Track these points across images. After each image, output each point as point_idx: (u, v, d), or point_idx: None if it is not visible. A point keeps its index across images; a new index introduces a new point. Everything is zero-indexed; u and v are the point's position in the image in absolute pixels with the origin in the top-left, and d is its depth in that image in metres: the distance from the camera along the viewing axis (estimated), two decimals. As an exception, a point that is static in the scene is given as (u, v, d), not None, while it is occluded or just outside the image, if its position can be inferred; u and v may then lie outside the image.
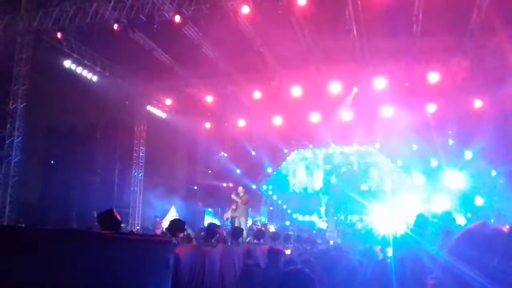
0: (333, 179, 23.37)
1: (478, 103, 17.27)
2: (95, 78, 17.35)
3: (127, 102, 19.12)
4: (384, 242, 14.73)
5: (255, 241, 11.22)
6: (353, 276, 4.15)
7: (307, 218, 23.36)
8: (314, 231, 19.46)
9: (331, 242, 13.11)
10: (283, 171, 25.03)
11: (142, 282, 3.63)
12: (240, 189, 14.42)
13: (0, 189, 14.03)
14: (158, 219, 17.71)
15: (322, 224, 20.88)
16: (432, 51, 15.97)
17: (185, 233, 6.93)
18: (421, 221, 7.20)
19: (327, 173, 24.16)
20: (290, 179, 25.17)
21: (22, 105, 14.69)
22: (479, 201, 18.19)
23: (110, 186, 19.03)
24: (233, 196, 14.13)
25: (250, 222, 14.14)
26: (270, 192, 24.35)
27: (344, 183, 23.10)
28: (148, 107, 20.78)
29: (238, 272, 6.99)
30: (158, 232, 16.35)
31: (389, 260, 8.07)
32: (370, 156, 23.46)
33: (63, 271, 2.79)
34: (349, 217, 21.72)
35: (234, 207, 13.92)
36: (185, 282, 5.16)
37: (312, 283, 2.86)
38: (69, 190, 17.30)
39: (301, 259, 6.67)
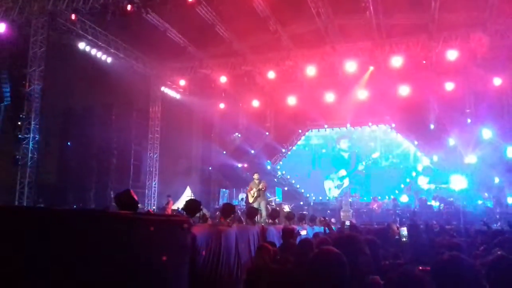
0: (360, 166, 23.41)
1: (497, 81, 16.95)
2: (109, 60, 17.40)
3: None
4: (400, 221, 14.76)
5: (270, 221, 11.30)
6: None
7: (321, 198, 23.48)
8: (328, 211, 19.51)
9: (347, 223, 13.12)
10: (298, 151, 25.01)
11: (160, 262, 3.69)
12: (256, 176, 14.47)
13: (19, 170, 14.26)
14: (169, 198, 17.93)
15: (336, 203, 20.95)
16: (450, 28, 15.63)
17: (201, 213, 6.99)
18: None
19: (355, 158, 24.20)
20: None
21: (38, 87, 14.83)
22: (497, 179, 18.05)
23: (126, 167, 19.24)
24: (253, 188, 14.17)
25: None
26: (284, 172, 24.40)
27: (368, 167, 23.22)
28: (163, 88, 20.83)
29: (254, 251, 7.06)
30: (169, 211, 16.56)
31: (404, 239, 8.06)
32: (387, 135, 23.33)
33: (83, 251, 2.85)
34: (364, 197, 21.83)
35: (255, 195, 14.01)
36: (202, 261, 5.23)
37: (343, 264, 2.80)
38: (86, 171, 17.55)
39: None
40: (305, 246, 5.20)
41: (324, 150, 25.37)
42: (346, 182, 23.73)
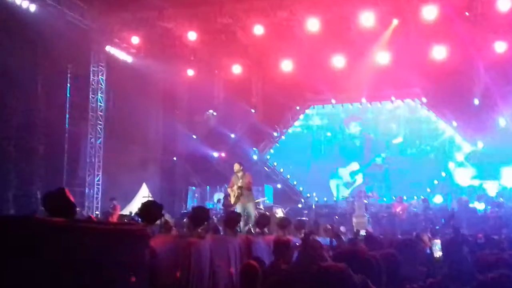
0: (378, 158, 23.64)
1: None
2: (33, 8, 17.14)
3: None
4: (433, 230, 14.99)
5: (257, 229, 11.39)
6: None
7: (326, 199, 23.71)
8: (336, 217, 19.67)
9: (362, 232, 13.31)
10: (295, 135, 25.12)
11: (107, 286, 3.70)
12: (237, 167, 14.37)
13: None
14: (115, 202, 17.90)
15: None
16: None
17: (163, 219, 7.04)
18: None
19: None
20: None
21: None
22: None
23: (59, 157, 19.08)
24: (235, 184, 14.13)
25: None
26: (275, 164, 24.53)
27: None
28: (108, 48, 20.63)
29: (235, 271, 7.12)
30: (114, 219, 16.56)
31: (437, 256, 8.20)
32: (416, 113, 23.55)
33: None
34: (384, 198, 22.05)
35: (236, 193, 13.98)
36: (165, 284, 5.27)
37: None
38: (1, 162, 17.40)
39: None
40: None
41: (329, 134, 25.50)
42: (359, 178, 23.95)
